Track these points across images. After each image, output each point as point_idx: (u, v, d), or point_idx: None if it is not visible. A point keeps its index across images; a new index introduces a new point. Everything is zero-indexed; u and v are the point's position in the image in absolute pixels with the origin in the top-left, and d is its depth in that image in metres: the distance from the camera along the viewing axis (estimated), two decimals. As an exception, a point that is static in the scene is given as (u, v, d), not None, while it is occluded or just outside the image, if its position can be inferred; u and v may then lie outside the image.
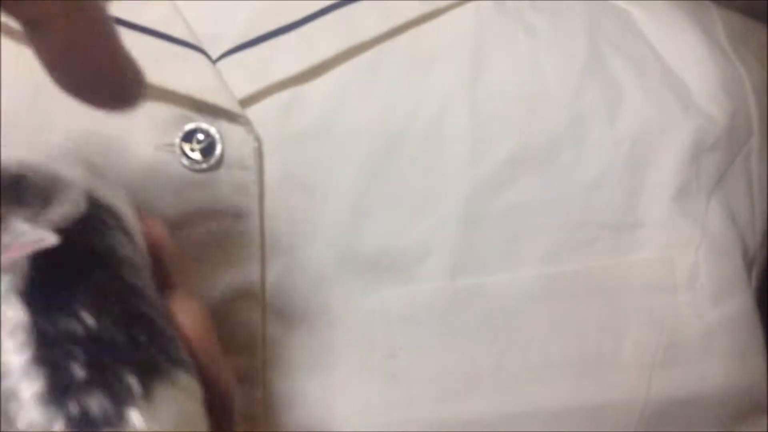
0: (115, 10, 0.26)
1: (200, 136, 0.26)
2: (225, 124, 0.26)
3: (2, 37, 0.26)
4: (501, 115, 0.27)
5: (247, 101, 0.26)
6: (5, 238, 0.15)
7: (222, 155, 0.26)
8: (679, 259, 0.27)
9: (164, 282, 0.19)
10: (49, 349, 0.14)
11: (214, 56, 0.26)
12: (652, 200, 0.27)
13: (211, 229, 0.26)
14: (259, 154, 0.26)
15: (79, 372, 0.14)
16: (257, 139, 0.26)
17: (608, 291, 0.27)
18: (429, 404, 0.26)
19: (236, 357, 0.25)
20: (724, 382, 0.26)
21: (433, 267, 0.26)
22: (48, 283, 0.15)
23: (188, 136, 0.26)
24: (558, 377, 0.26)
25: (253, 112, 0.26)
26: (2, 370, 0.14)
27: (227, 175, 0.26)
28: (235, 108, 0.26)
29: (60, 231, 0.16)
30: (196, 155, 0.26)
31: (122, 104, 0.18)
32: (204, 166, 0.26)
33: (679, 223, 0.27)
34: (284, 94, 0.27)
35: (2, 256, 0.15)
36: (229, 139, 0.26)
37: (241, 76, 0.26)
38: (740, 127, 0.29)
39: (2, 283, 0.15)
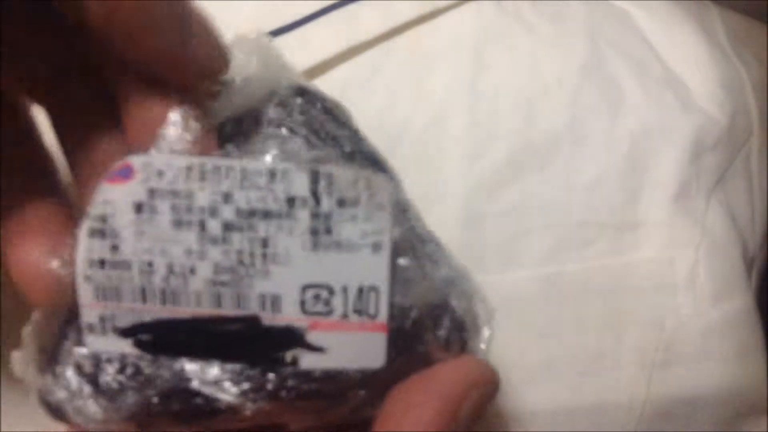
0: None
1: None
2: None
3: None
4: (501, 115, 0.27)
5: None
6: None
7: None
8: (679, 259, 0.27)
9: None
10: None
11: (214, 56, 0.26)
12: (652, 200, 0.27)
13: None
14: None
15: None
16: None
17: (608, 291, 0.26)
18: None
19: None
20: (723, 382, 0.26)
21: (433, 267, 0.26)
22: None
23: (188, 136, 0.26)
24: (558, 377, 0.26)
25: None
26: None
27: None
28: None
29: None
30: (196, 155, 0.26)
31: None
32: (204, 165, 0.26)
33: (679, 223, 0.27)
34: None
35: None
36: None
37: None
38: (740, 127, 0.29)
39: None
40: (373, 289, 0.17)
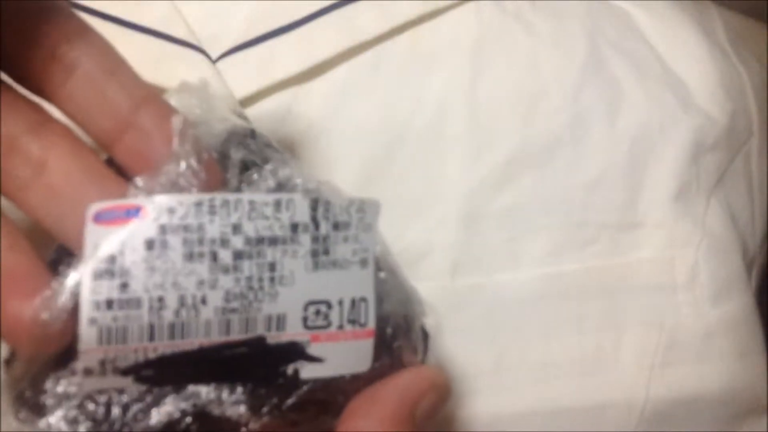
0: (115, 10, 0.26)
1: None
2: None
3: None
4: (500, 115, 0.27)
5: (247, 101, 0.26)
6: None
7: None
8: (679, 259, 0.27)
9: None
10: None
11: (214, 56, 0.26)
12: (652, 200, 0.27)
13: None
14: None
15: None
16: None
17: (608, 291, 0.26)
18: None
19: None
20: (724, 382, 0.26)
21: (433, 267, 0.26)
22: None
23: (188, 136, 0.26)
24: (558, 377, 0.26)
25: (253, 112, 0.26)
26: None
27: None
28: (235, 108, 0.26)
29: None
30: (196, 155, 0.26)
31: None
32: (204, 166, 0.26)
33: (679, 223, 0.27)
34: (284, 94, 0.27)
35: None
36: None
37: (241, 76, 0.26)
38: (740, 127, 0.29)
39: None
40: (363, 300, 0.18)
